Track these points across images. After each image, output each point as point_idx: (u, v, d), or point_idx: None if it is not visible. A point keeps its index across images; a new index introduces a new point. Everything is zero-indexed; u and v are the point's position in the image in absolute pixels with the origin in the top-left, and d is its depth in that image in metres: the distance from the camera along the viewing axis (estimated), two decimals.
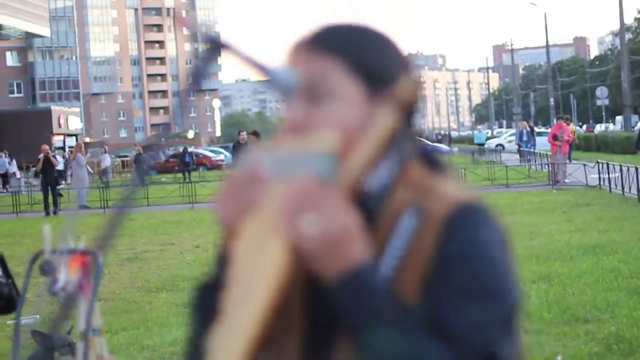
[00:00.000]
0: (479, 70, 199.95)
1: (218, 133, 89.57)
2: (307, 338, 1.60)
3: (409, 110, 1.66)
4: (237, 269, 1.52)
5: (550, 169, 25.79)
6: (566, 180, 24.83)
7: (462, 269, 1.51)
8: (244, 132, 25.28)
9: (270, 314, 1.47)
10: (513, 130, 45.84)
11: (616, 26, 59.17)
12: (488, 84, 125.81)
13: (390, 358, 1.46)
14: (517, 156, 41.20)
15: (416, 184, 1.62)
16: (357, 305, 1.46)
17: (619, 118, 68.30)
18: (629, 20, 67.33)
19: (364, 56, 1.63)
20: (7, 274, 4.67)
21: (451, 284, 1.50)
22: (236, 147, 25.24)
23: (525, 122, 42.34)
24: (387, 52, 1.66)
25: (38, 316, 6.19)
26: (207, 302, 1.64)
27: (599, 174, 22.94)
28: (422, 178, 1.63)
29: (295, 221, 1.47)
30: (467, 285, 1.50)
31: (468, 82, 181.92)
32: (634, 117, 61.82)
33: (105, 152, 39.50)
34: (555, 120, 33.75)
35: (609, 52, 79.53)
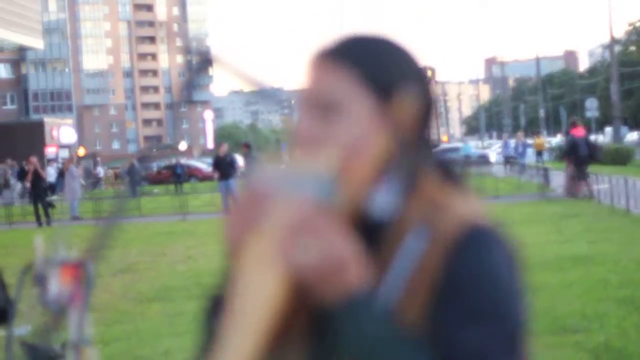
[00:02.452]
0: (470, 82, 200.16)
1: (210, 145, 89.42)
2: None
3: (422, 122, 1.64)
4: (236, 292, 1.51)
5: (566, 181, 24.43)
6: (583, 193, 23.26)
7: (470, 293, 1.48)
8: (225, 145, 25.32)
9: (266, 341, 1.46)
10: (507, 142, 43.99)
11: (606, 39, 59.36)
12: (478, 95, 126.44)
13: None
14: (505, 167, 40.86)
15: (428, 200, 1.58)
16: (355, 333, 1.44)
17: (608, 129, 68.37)
18: (618, 33, 67.58)
19: (379, 71, 1.60)
20: (2, 285, 4.69)
21: (457, 308, 1.48)
22: (217, 160, 25.29)
23: (520, 134, 41.32)
24: (401, 65, 1.63)
25: (30, 327, 6.19)
26: (216, 316, 1.62)
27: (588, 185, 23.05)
28: (435, 193, 1.60)
29: (292, 247, 1.45)
30: (473, 309, 1.47)
31: (458, 95, 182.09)
32: (623, 129, 61.91)
33: (98, 164, 39.60)
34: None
35: (599, 65, 79.69)
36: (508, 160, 40.39)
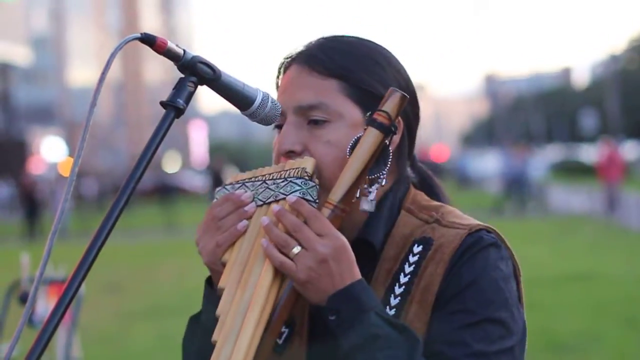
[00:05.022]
0: (466, 97, 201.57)
1: (201, 160, 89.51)
2: None
3: (407, 128, 1.65)
4: (225, 301, 1.49)
5: (607, 195, 23.02)
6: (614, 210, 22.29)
7: (471, 297, 1.51)
8: (222, 159, 25.37)
9: (264, 340, 1.46)
10: (500, 156, 38.17)
11: (606, 55, 59.69)
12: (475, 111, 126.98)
13: None
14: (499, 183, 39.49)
15: (423, 209, 1.62)
16: (350, 327, 1.44)
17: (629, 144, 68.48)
18: (618, 49, 67.76)
19: (361, 78, 1.60)
20: None
21: (459, 311, 1.50)
22: (215, 175, 25.30)
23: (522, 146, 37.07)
24: (381, 68, 1.62)
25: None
26: (197, 337, 1.62)
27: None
28: (429, 204, 1.64)
29: (281, 250, 1.47)
30: (475, 316, 1.50)
31: (454, 110, 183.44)
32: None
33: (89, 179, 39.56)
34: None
35: (599, 80, 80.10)
36: (514, 183, 26.70)
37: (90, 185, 41.86)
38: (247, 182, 1.60)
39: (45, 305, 3.88)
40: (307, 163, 1.55)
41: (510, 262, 1.57)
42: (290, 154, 1.59)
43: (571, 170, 46.15)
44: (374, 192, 1.56)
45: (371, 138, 1.52)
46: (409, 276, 1.55)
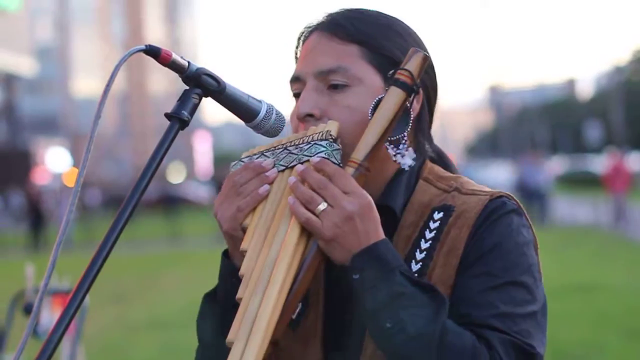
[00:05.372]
0: (470, 108, 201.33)
1: (206, 171, 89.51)
2: (327, 350, 1.59)
3: (426, 100, 1.65)
4: (250, 259, 1.47)
5: (614, 207, 22.86)
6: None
7: (495, 260, 1.50)
8: (225, 171, 25.30)
9: (289, 301, 1.44)
10: (504, 166, 33.71)
11: (610, 66, 59.56)
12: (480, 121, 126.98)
13: (411, 341, 1.40)
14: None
15: (442, 179, 1.62)
16: (374, 286, 1.42)
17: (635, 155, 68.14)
18: (622, 60, 67.59)
19: (381, 44, 1.59)
20: None
21: (483, 274, 1.49)
22: (219, 188, 25.25)
23: (536, 154, 31.62)
24: (401, 38, 1.62)
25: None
26: (215, 310, 1.60)
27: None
28: (446, 174, 1.64)
29: (307, 206, 1.46)
30: (500, 278, 1.49)
31: (459, 120, 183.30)
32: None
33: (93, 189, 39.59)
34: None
35: (603, 91, 79.96)
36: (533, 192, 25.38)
37: (95, 196, 41.88)
38: (265, 152, 1.58)
39: (49, 316, 3.88)
40: (332, 126, 1.54)
41: (531, 231, 1.58)
42: (309, 118, 1.58)
43: (576, 182, 45.99)
44: (405, 150, 1.57)
45: (394, 97, 1.51)
46: (430, 242, 1.55)
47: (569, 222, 23.71)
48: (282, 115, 1.62)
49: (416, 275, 1.52)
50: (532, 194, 24.09)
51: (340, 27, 1.60)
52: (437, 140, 1.75)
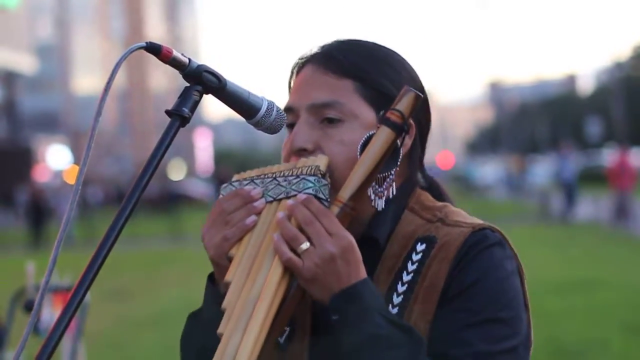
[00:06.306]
0: (470, 104, 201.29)
1: (207, 168, 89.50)
2: None
3: (419, 134, 1.65)
4: (232, 293, 1.48)
5: (617, 204, 22.43)
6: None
7: (476, 295, 1.49)
8: (227, 168, 25.27)
9: (271, 333, 1.45)
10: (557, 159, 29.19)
11: (610, 62, 59.29)
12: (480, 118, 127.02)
13: None
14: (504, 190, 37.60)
15: (427, 209, 1.61)
16: (353, 327, 1.43)
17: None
18: (622, 56, 67.45)
19: (375, 80, 1.59)
20: None
21: (463, 310, 1.49)
22: (220, 185, 25.27)
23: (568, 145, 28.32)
24: (396, 72, 1.62)
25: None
26: (198, 334, 1.61)
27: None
28: (433, 204, 1.63)
29: (290, 245, 1.45)
30: (479, 312, 1.48)
31: (458, 117, 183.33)
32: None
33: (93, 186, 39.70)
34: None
35: (603, 87, 79.89)
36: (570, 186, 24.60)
37: (96, 193, 41.90)
38: (255, 179, 1.58)
39: (50, 313, 3.87)
40: (321, 161, 1.54)
41: (515, 262, 1.56)
42: (302, 152, 1.58)
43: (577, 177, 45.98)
44: (386, 189, 1.57)
45: (383, 136, 1.50)
46: (412, 274, 1.54)
47: (564, 218, 23.76)
48: (282, 112, 1.61)
49: (398, 308, 1.52)
50: (570, 188, 23.83)
51: (335, 60, 1.60)
52: (436, 137, 1.74)
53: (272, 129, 1.61)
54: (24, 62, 54.97)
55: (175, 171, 78.56)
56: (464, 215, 1.60)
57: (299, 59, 1.68)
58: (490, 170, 49.30)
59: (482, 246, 1.52)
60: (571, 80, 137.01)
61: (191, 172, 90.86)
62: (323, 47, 1.66)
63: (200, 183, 60.12)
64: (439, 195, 1.70)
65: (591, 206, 23.83)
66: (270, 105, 1.60)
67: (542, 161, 53.30)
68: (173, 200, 40.65)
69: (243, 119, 1.61)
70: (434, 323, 1.49)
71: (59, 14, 77.48)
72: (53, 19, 76.73)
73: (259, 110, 1.59)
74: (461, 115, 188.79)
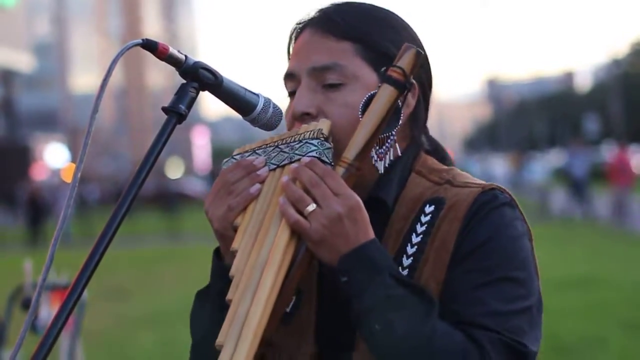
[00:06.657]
0: (468, 101, 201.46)
1: (204, 166, 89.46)
2: (321, 344, 1.57)
3: (422, 94, 1.63)
4: (240, 261, 1.47)
5: (615, 203, 22.08)
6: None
7: (488, 258, 1.47)
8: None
9: (280, 299, 1.43)
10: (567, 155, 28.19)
11: (608, 59, 59.36)
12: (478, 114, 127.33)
13: (401, 343, 1.39)
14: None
15: (434, 172, 1.59)
16: (363, 289, 1.41)
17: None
18: (620, 53, 67.40)
19: (375, 41, 1.57)
20: None
21: (476, 271, 1.47)
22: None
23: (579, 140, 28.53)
24: (395, 32, 1.60)
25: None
26: (207, 309, 1.59)
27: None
28: (439, 167, 1.61)
29: (296, 207, 1.44)
30: (492, 274, 1.46)
31: (456, 114, 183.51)
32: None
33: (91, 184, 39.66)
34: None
35: (601, 84, 79.89)
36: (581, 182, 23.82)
37: (93, 191, 41.87)
38: (257, 149, 1.57)
39: (48, 311, 3.87)
40: (323, 124, 1.52)
41: (525, 224, 1.54)
42: (305, 118, 1.56)
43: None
44: (388, 149, 1.55)
45: (386, 95, 1.49)
46: (421, 236, 1.52)
47: (568, 215, 23.71)
48: (279, 108, 1.61)
49: (407, 270, 1.50)
50: (581, 184, 23.30)
51: (334, 23, 1.58)
52: (434, 134, 1.73)
53: (269, 126, 1.61)
54: (22, 60, 54.90)
55: (173, 169, 78.52)
56: (472, 178, 1.59)
57: (297, 23, 1.66)
58: (488, 167, 49.27)
59: (493, 205, 1.50)
60: (569, 77, 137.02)
61: (189, 170, 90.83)
62: (321, 10, 1.64)
63: (198, 181, 60.06)
64: (443, 159, 1.69)
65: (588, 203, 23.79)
66: (267, 101, 1.59)
67: (540, 158, 53.30)
68: (171, 199, 40.63)
69: (240, 117, 1.61)
70: (445, 283, 1.47)
71: (57, 12, 77.40)
72: (51, 17, 76.65)
73: (255, 106, 1.58)
74: (459, 111, 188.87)
